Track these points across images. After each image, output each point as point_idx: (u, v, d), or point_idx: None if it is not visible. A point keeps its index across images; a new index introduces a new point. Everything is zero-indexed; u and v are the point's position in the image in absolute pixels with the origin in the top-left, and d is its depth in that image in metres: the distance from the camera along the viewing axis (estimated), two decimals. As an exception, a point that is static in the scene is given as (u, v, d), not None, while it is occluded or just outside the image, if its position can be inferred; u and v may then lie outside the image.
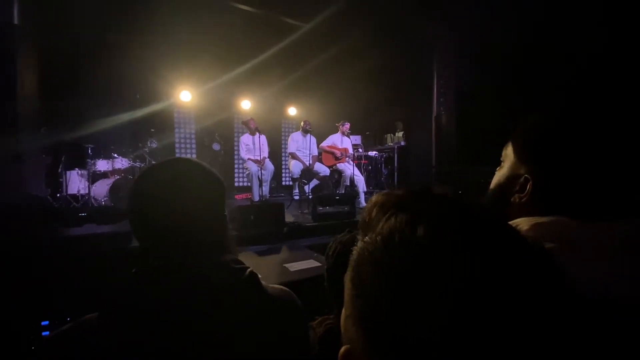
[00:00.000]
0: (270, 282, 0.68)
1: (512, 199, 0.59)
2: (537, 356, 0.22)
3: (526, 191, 0.57)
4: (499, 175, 0.64)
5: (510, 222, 0.52)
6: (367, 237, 0.29)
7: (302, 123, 5.00)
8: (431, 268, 0.24)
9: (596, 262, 0.46)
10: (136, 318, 0.53)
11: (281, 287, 0.69)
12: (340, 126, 5.08)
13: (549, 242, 0.48)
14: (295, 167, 4.86)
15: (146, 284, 0.57)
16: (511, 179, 0.60)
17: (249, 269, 0.62)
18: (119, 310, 0.55)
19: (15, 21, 2.79)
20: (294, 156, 4.93)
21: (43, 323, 1.54)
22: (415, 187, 0.33)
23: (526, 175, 0.57)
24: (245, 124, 4.95)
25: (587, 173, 0.53)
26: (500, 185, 0.62)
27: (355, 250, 0.30)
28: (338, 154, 4.97)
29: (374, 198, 0.33)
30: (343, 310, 0.32)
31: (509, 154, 0.63)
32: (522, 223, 0.53)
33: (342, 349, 0.29)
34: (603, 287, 0.43)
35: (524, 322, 0.22)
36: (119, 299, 0.56)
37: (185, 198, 0.61)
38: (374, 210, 0.31)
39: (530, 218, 0.53)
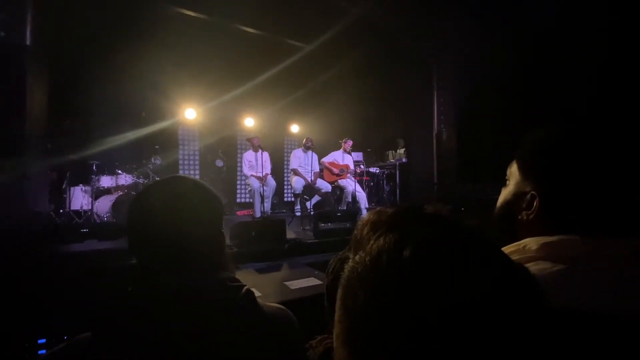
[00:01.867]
0: (270, 300, 0.67)
1: (519, 217, 0.58)
2: None
3: (533, 208, 0.56)
4: (505, 193, 0.63)
5: (518, 243, 0.53)
6: (357, 257, 0.29)
7: (304, 140, 5.06)
8: (415, 291, 0.24)
9: (605, 281, 0.46)
10: (130, 337, 0.53)
11: (278, 305, 0.69)
12: (343, 143, 5.13)
13: (559, 264, 0.48)
14: (297, 182, 4.89)
15: (140, 303, 0.57)
16: (518, 196, 0.59)
17: (245, 287, 0.62)
18: (113, 329, 0.54)
19: (27, 42, 2.89)
20: (296, 172, 4.96)
21: (40, 341, 1.52)
22: (407, 205, 0.34)
23: (532, 192, 0.57)
24: (250, 140, 5.02)
25: (594, 187, 0.52)
26: (507, 203, 0.62)
27: (346, 270, 0.30)
28: (336, 171, 5.00)
29: (366, 216, 0.33)
30: (334, 330, 0.32)
31: (513, 172, 0.62)
32: (530, 243, 0.52)
33: None
34: (612, 306, 0.43)
35: (508, 346, 0.23)
36: (113, 318, 0.56)
37: (183, 216, 0.61)
38: (365, 228, 0.31)
39: (539, 238, 0.52)
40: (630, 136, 0.53)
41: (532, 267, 0.49)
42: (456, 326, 0.22)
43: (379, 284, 0.25)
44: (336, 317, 0.31)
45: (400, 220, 0.30)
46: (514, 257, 0.38)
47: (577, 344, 0.36)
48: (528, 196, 0.57)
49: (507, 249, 0.54)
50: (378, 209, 0.34)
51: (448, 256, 0.25)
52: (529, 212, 0.57)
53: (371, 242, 0.28)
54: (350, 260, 0.30)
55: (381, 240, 0.28)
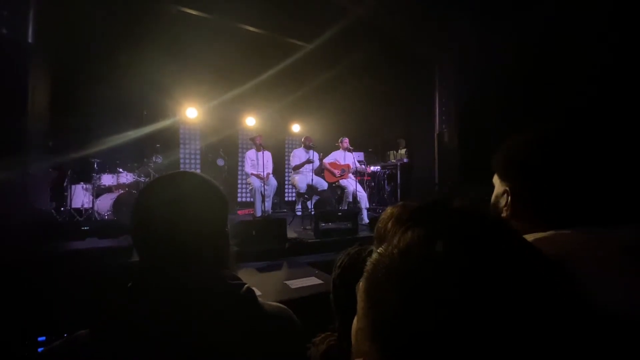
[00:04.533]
0: (270, 299, 0.67)
1: (503, 216, 0.64)
2: None
3: (507, 203, 0.63)
4: (492, 198, 0.70)
5: None
6: (381, 249, 0.29)
7: (303, 139, 5.06)
8: (449, 283, 0.24)
9: (598, 276, 0.46)
10: (128, 334, 0.52)
11: (278, 304, 0.68)
12: (340, 143, 5.12)
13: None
14: (300, 182, 4.88)
15: (140, 300, 0.56)
16: (498, 196, 0.66)
17: (245, 285, 0.61)
18: (111, 326, 0.54)
19: (30, 40, 2.89)
20: (297, 170, 4.97)
21: (40, 339, 1.52)
22: (431, 199, 0.33)
23: (506, 189, 0.63)
24: (252, 140, 5.03)
25: (556, 178, 0.57)
26: (492, 205, 0.68)
27: (370, 262, 0.29)
28: (337, 173, 4.99)
29: (389, 210, 0.33)
30: (354, 323, 0.31)
31: (496, 178, 0.69)
32: None
33: None
34: (607, 301, 0.42)
35: (539, 337, 0.22)
36: (112, 315, 0.55)
37: (187, 214, 0.61)
38: (390, 222, 0.31)
39: (531, 234, 0.54)
40: (600, 135, 0.57)
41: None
42: (492, 318, 0.22)
43: (412, 277, 0.25)
44: (359, 310, 0.30)
45: (428, 215, 0.30)
46: None
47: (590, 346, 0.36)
48: (505, 194, 0.64)
49: None
50: (400, 202, 0.34)
51: (480, 250, 0.25)
52: (506, 207, 0.63)
53: (397, 235, 0.28)
54: (374, 253, 0.30)
55: (409, 233, 0.27)
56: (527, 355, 0.22)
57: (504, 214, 0.64)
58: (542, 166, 0.59)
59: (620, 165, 0.56)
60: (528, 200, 0.60)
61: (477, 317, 0.22)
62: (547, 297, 0.24)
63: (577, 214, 0.54)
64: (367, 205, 4.86)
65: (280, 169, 7.08)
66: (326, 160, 5.10)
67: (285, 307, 0.68)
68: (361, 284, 0.30)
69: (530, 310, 0.23)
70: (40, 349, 1.48)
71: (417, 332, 0.24)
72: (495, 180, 0.69)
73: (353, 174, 5.07)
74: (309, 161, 4.87)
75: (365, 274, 0.30)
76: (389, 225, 0.28)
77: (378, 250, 0.29)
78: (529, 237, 0.52)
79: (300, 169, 4.95)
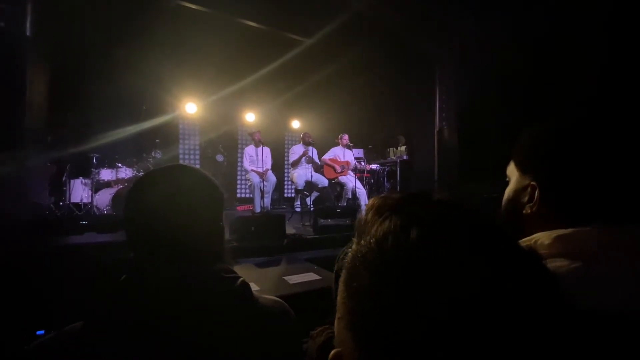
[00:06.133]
0: (269, 294, 0.67)
1: (524, 211, 0.59)
2: None
3: (535, 199, 0.57)
4: (508, 191, 0.64)
5: (530, 237, 0.53)
6: (361, 240, 0.29)
7: (302, 135, 5.05)
8: (422, 271, 0.24)
9: (624, 279, 0.45)
10: (121, 328, 0.52)
11: (274, 298, 0.68)
12: (340, 139, 5.12)
13: (574, 261, 0.47)
14: (299, 178, 4.87)
15: (133, 293, 0.55)
16: (519, 191, 0.60)
17: (240, 279, 0.61)
18: (104, 320, 0.53)
19: (28, 33, 2.87)
20: (295, 165, 4.96)
21: (38, 332, 1.53)
22: (413, 191, 0.33)
23: (532, 183, 0.58)
24: (251, 135, 5.02)
25: (588, 171, 0.53)
26: (510, 200, 0.63)
27: (350, 253, 0.30)
28: (338, 168, 4.98)
29: (370, 201, 0.33)
30: (336, 314, 0.31)
31: (512, 170, 0.64)
32: (542, 237, 0.51)
33: (333, 351, 0.29)
34: (628, 302, 0.42)
35: (513, 327, 0.22)
36: (105, 309, 0.54)
37: (181, 210, 0.60)
38: (370, 212, 0.31)
39: (552, 231, 0.51)
40: (627, 126, 0.54)
41: (547, 265, 0.48)
42: (465, 306, 0.22)
43: (385, 264, 0.25)
44: (338, 300, 0.30)
45: (406, 204, 0.30)
46: None
47: (598, 346, 0.35)
48: (529, 189, 0.58)
49: None
50: (383, 194, 0.34)
51: (455, 236, 0.25)
52: (532, 204, 0.57)
53: (376, 225, 0.28)
54: (354, 244, 0.30)
55: (386, 223, 0.27)
56: (498, 344, 0.22)
57: (527, 211, 0.58)
58: (578, 159, 0.53)
59: None
60: (556, 196, 0.55)
61: (450, 306, 0.22)
62: (522, 289, 0.23)
63: (604, 211, 0.51)
64: (367, 202, 4.85)
65: (279, 165, 7.07)
66: (326, 157, 5.09)
67: (281, 300, 0.68)
68: (342, 273, 0.30)
69: (502, 302, 0.23)
70: (38, 342, 1.48)
71: (391, 320, 0.23)
72: (512, 172, 0.63)
73: (352, 171, 5.06)
74: (305, 154, 4.87)
75: (345, 265, 0.30)
76: (369, 215, 0.28)
77: (358, 242, 0.29)
78: (550, 235, 0.51)
79: (299, 165, 4.94)
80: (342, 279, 0.30)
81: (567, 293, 0.25)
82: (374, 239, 0.27)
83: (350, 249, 0.82)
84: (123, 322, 0.52)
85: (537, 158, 0.58)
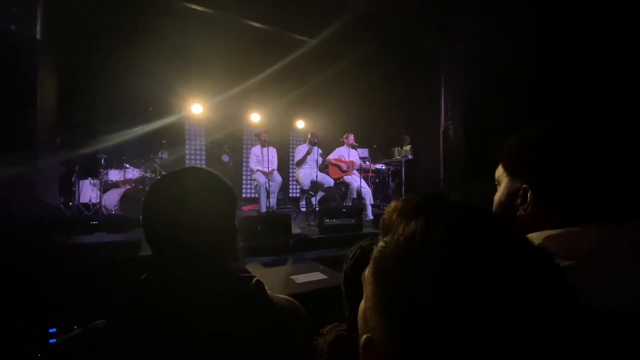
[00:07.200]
0: (277, 293, 0.68)
1: (517, 214, 0.59)
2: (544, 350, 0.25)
3: (528, 201, 0.57)
4: (498, 195, 0.64)
5: None
6: (387, 238, 0.33)
7: (309, 135, 5.06)
8: (449, 261, 0.27)
9: (616, 278, 0.46)
10: (142, 325, 0.53)
11: (286, 297, 0.70)
12: (345, 139, 5.12)
13: (564, 260, 0.47)
14: (304, 178, 4.89)
15: (153, 292, 0.57)
16: (511, 194, 0.61)
17: (255, 278, 0.62)
18: (126, 317, 0.55)
19: (38, 36, 2.92)
20: (300, 165, 4.98)
21: (51, 330, 1.56)
22: (430, 193, 0.37)
23: (524, 186, 0.58)
24: (258, 136, 5.05)
25: (579, 171, 0.54)
26: (501, 204, 0.63)
27: (377, 249, 0.33)
28: (344, 167, 4.99)
29: (392, 204, 0.37)
30: (362, 304, 0.35)
31: (501, 174, 0.64)
32: (534, 238, 0.51)
33: (364, 337, 0.32)
34: (619, 301, 0.43)
35: (528, 318, 0.25)
36: (127, 306, 0.56)
37: (194, 210, 0.61)
38: (394, 215, 0.34)
39: (542, 232, 0.52)
40: (617, 127, 0.55)
41: None
42: (486, 294, 0.26)
43: (415, 257, 0.29)
44: (366, 291, 0.34)
45: (427, 206, 0.34)
46: None
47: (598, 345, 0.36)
48: (521, 191, 0.59)
49: None
50: (403, 197, 0.37)
51: (475, 233, 0.29)
52: (525, 206, 0.58)
53: (402, 226, 0.32)
54: (380, 242, 0.33)
55: (412, 224, 0.31)
56: (517, 332, 0.25)
57: (520, 213, 0.59)
58: (569, 159, 0.54)
59: (635, 159, 0.54)
60: (549, 197, 0.56)
61: (473, 293, 0.26)
62: (537, 285, 0.27)
63: (598, 209, 0.52)
64: (372, 202, 4.86)
65: (284, 165, 7.09)
66: (331, 157, 5.10)
67: (293, 299, 0.70)
68: (368, 270, 0.34)
69: (517, 294, 0.26)
70: (52, 340, 1.51)
71: (421, 303, 0.27)
72: (502, 177, 0.64)
73: (357, 170, 5.06)
74: (309, 152, 4.89)
75: (372, 260, 0.33)
76: (394, 217, 0.32)
77: (385, 239, 0.33)
78: (541, 235, 0.51)
79: (304, 165, 4.95)
80: (369, 273, 0.34)
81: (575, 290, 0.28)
82: (402, 237, 0.31)
83: (357, 247, 0.83)
84: (144, 320, 0.54)
85: (527, 160, 0.59)
